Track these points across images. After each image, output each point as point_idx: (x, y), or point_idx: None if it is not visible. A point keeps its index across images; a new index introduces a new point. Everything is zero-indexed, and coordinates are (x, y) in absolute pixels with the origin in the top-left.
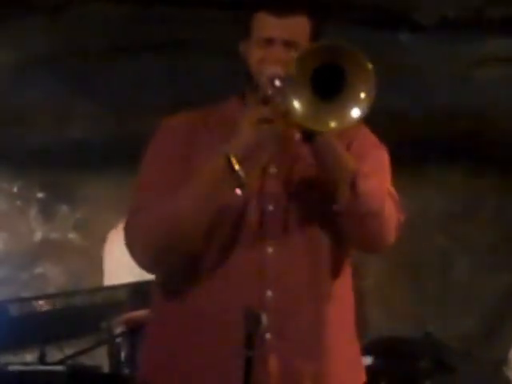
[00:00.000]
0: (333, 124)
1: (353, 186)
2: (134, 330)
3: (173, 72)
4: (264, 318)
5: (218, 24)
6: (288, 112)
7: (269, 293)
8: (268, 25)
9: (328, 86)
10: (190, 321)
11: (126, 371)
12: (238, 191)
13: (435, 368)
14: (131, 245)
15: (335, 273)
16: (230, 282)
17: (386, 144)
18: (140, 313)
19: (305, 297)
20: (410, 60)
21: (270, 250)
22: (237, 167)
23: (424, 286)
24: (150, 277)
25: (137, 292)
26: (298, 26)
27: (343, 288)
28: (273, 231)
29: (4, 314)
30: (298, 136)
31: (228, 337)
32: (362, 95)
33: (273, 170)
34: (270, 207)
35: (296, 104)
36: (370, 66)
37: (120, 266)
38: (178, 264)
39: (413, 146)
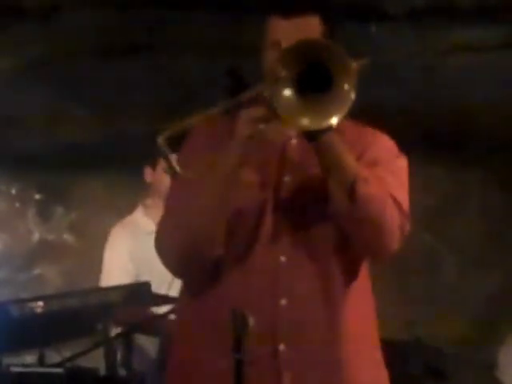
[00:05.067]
0: (313, 123)
1: (351, 189)
2: (129, 333)
3: (160, 73)
4: (251, 320)
5: (203, 26)
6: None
7: (283, 301)
8: (279, 28)
9: (315, 85)
10: (207, 327)
11: (122, 373)
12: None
13: (426, 373)
14: (159, 252)
15: (349, 280)
16: (245, 290)
17: None
18: (134, 315)
19: (318, 306)
20: (379, 51)
21: (282, 258)
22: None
23: (411, 287)
24: (143, 273)
25: (131, 293)
26: (308, 29)
27: (359, 294)
28: (285, 240)
29: (4, 316)
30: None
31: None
32: (344, 96)
33: (287, 178)
34: (284, 216)
35: (281, 101)
36: (353, 65)
37: (119, 260)
38: (202, 267)
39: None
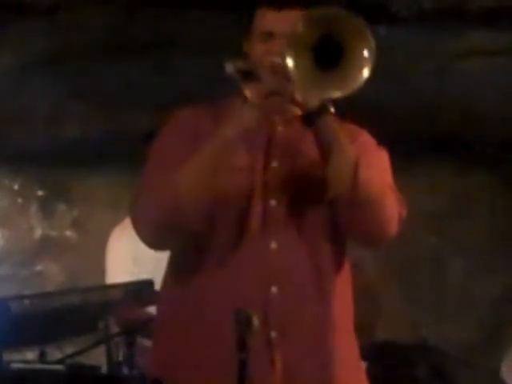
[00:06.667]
0: (334, 92)
1: (355, 172)
2: (131, 331)
3: (163, 72)
4: (255, 320)
5: (205, 24)
6: (291, 87)
7: (274, 289)
8: (268, 19)
9: (330, 57)
10: (195, 315)
11: (124, 371)
12: None
13: (431, 376)
14: (135, 222)
15: (337, 269)
16: (235, 278)
17: None
18: (135, 313)
19: (308, 293)
20: (389, 54)
21: (273, 245)
22: None
23: (417, 289)
24: (148, 275)
25: (133, 291)
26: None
27: (344, 285)
28: (276, 226)
29: (5, 312)
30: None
31: (231, 333)
32: (362, 62)
33: (275, 164)
34: (273, 202)
35: (297, 74)
36: (369, 34)
37: (122, 263)
38: (179, 242)
39: (398, 143)
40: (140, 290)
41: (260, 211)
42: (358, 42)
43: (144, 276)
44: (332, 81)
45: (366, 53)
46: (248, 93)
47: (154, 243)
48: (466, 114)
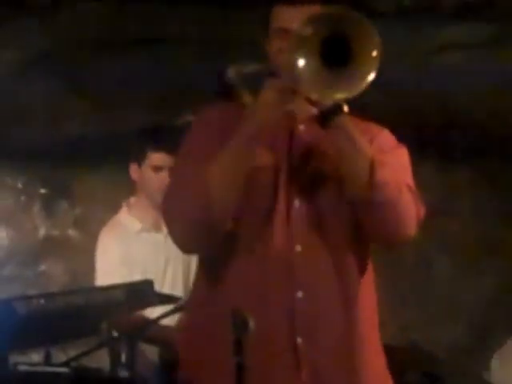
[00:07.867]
0: (339, 94)
1: (370, 173)
2: (132, 334)
3: (166, 68)
4: (252, 323)
5: (207, 20)
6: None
7: (299, 294)
8: (284, 15)
9: (337, 57)
10: (222, 319)
11: (126, 373)
12: None
13: (420, 379)
14: (167, 223)
15: (361, 273)
16: (261, 282)
17: None
18: (133, 317)
19: (333, 298)
20: None
21: (298, 248)
22: None
23: (404, 291)
24: (137, 276)
25: (134, 291)
26: None
27: (367, 289)
28: (300, 228)
29: (11, 313)
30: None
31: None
32: (370, 62)
33: (297, 163)
34: (297, 203)
35: (305, 75)
36: (375, 34)
37: (113, 264)
38: (209, 244)
39: None
40: (141, 291)
41: (284, 212)
42: (366, 41)
43: (132, 276)
44: (340, 81)
45: (374, 53)
46: (246, 98)
47: (185, 245)
48: (444, 109)
